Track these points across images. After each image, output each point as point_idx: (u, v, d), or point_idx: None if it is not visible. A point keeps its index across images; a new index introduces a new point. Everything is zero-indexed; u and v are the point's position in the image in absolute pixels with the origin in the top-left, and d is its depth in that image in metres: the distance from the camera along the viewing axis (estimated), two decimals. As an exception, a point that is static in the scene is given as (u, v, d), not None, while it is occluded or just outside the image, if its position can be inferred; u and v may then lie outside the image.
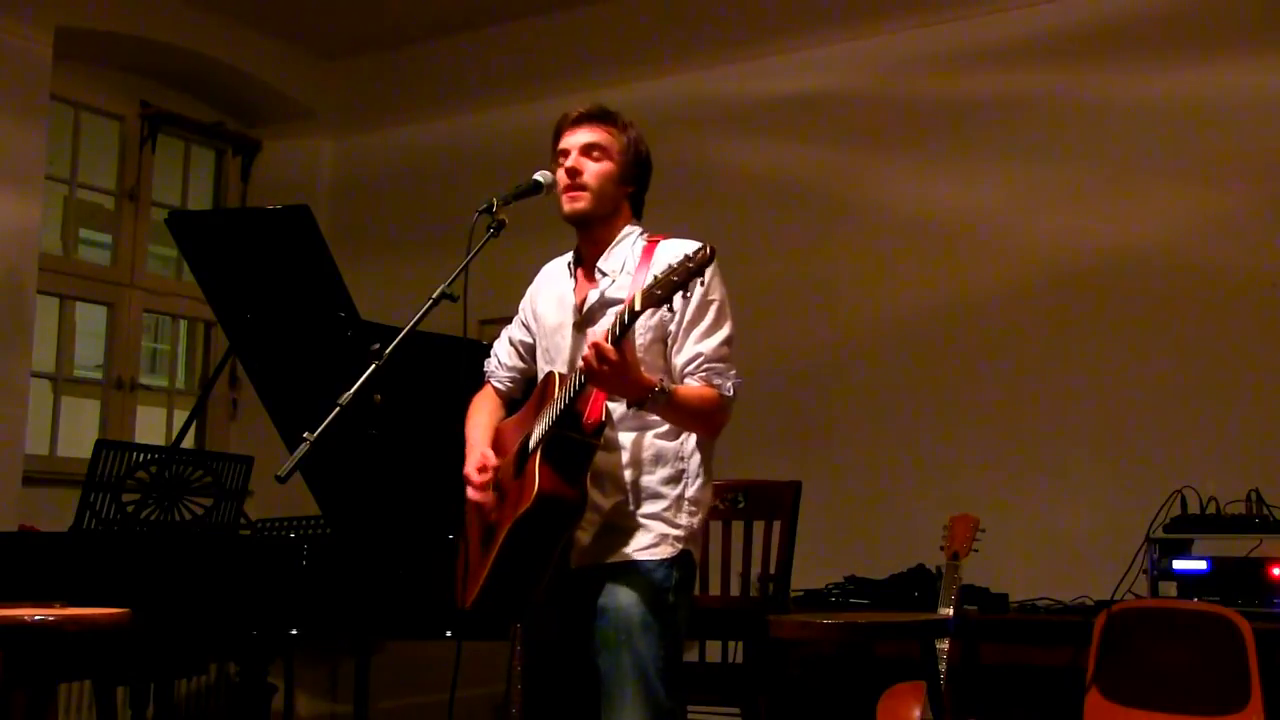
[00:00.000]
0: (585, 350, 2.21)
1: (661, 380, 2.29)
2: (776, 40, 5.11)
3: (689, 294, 2.17)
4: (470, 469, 2.48)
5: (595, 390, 2.34)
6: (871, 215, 4.83)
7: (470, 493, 2.46)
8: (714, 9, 5.29)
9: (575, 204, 2.48)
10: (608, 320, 2.32)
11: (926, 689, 3.10)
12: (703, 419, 2.39)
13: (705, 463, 2.47)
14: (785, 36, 5.09)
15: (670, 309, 2.20)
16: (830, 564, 4.29)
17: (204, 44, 5.66)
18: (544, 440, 2.31)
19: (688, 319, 2.40)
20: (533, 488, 2.26)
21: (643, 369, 2.36)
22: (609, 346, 2.17)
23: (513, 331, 2.70)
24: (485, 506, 2.43)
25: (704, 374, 2.38)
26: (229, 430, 5.90)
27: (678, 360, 2.40)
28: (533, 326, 2.64)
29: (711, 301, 2.42)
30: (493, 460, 2.46)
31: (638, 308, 2.15)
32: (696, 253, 2.14)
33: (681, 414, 2.36)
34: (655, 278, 2.15)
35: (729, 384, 2.39)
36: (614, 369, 2.18)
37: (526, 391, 2.64)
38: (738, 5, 5.25)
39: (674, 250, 2.36)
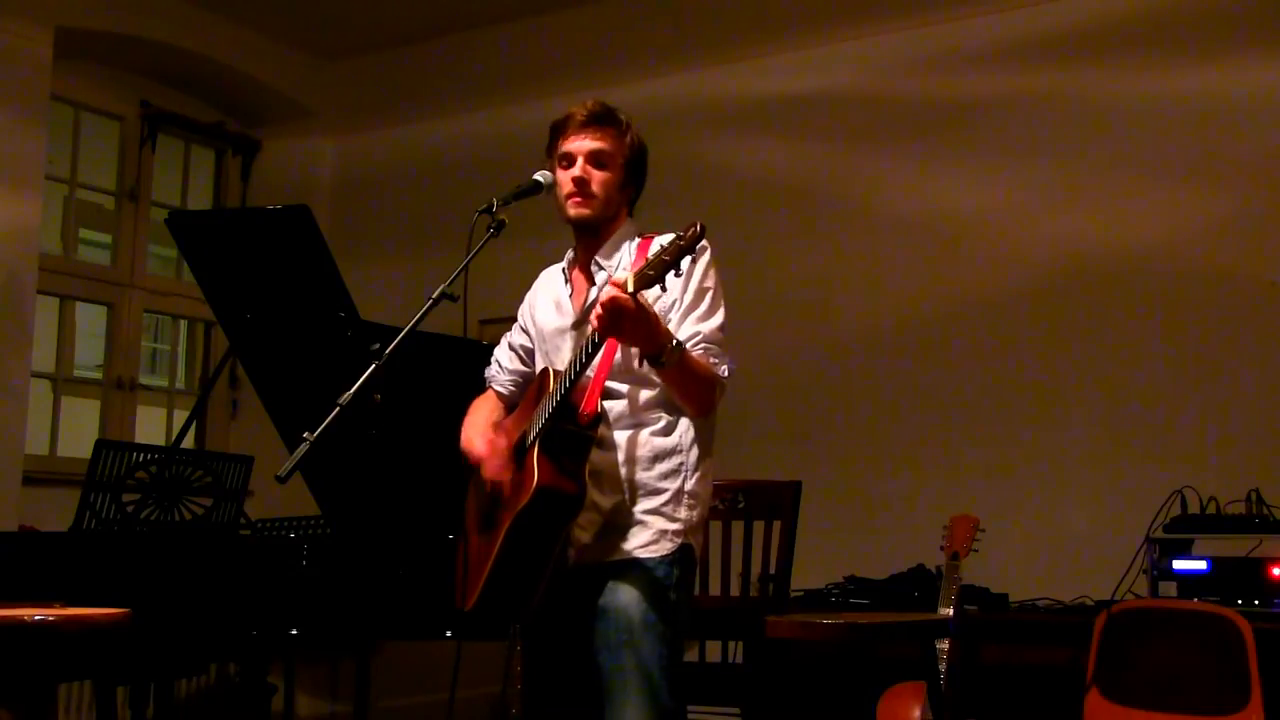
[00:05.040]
0: (595, 313, 2.20)
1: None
2: (776, 40, 5.11)
3: (680, 273, 2.18)
4: (481, 450, 2.48)
5: (590, 382, 2.36)
6: (871, 215, 4.83)
7: (487, 471, 2.46)
8: (714, 9, 5.29)
9: (581, 210, 2.50)
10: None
11: (926, 689, 3.10)
12: (702, 390, 2.39)
13: (704, 456, 2.47)
14: (785, 36, 5.09)
15: (663, 288, 2.20)
16: (830, 564, 4.29)
17: (204, 44, 5.66)
18: (541, 434, 2.31)
19: (685, 305, 2.42)
20: (532, 481, 2.26)
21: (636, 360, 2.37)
22: (624, 294, 2.15)
23: (513, 336, 2.72)
24: (502, 484, 2.43)
25: (701, 351, 2.38)
26: (229, 430, 5.90)
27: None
28: (531, 331, 2.66)
29: (707, 289, 2.44)
30: (501, 441, 2.47)
31: (631, 288, 2.16)
32: (686, 230, 2.16)
33: (688, 376, 2.34)
34: (647, 259, 2.18)
35: (725, 367, 2.41)
36: (631, 314, 2.16)
37: None
38: (737, 5, 5.24)
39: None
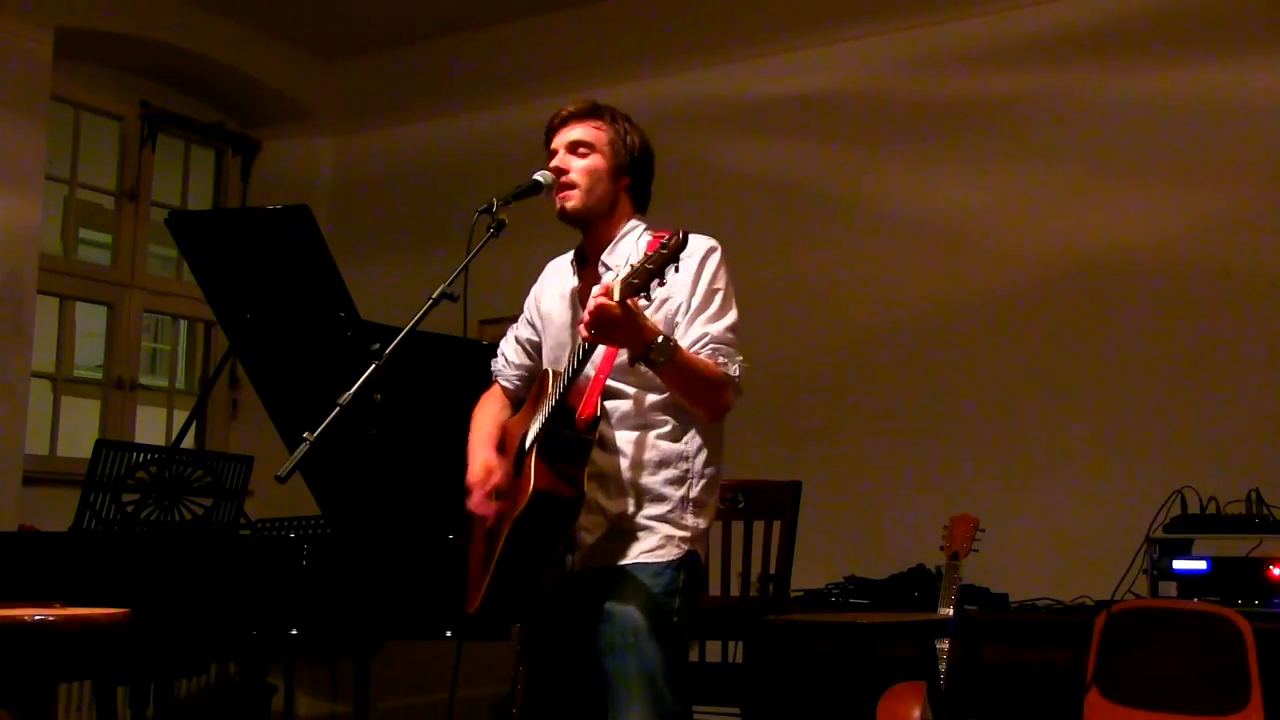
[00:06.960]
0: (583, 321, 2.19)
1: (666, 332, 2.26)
2: (776, 40, 5.11)
3: (664, 282, 2.15)
4: (473, 477, 2.44)
5: (589, 383, 2.34)
6: (871, 215, 4.83)
7: (471, 503, 2.43)
8: (714, 9, 5.29)
9: (565, 202, 2.47)
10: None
11: (926, 689, 3.10)
12: (707, 390, 2.34)
13: (711, 463, 2.44)
14: (785, 36, 5.09)
15: (648, 298, 2.18)
16: (830, 564, 4.29)
17: (204, 44, 5.66)
18: (538, 438, 2.31)
19: (694, 306, 2.38)
20: (529, 486, 2.26)
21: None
22: (610, 302, 2.13)
23: (519, 330, 2.69)
24: (485, 519, 2.42)
25: (710, 352, 2.35)
26: (229, 430, 5.90)
27: (684, 342, 2.35)
28: (538, 324, 2.63)
29: (717, 290, 2.40)
30: (496, 465, 2.44)
31: (616, 297, 2.13)
32: (670, 239, 2.14)
33: (685, 375, 2.30)
34: (631, 267, 2.15)
35: (735, 366, 2.36)
36: (619, 319, 2.15)
37: None
38: (738, 5, 5.24)
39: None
